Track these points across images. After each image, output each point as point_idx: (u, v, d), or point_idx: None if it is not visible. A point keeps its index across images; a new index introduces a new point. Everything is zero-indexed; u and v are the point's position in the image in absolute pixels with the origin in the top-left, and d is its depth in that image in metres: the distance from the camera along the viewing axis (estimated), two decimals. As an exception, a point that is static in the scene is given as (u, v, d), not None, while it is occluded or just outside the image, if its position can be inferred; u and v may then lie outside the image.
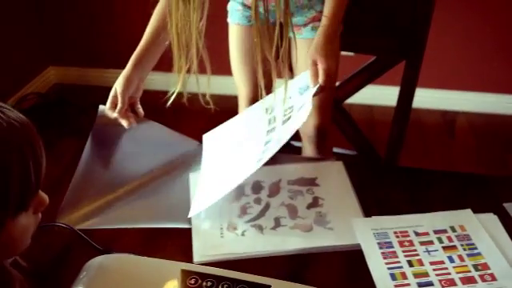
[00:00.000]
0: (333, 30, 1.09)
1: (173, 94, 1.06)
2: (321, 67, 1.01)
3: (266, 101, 1.07)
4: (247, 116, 1.17)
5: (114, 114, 1.07)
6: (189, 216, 0.96)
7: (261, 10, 1.22)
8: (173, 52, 1.02)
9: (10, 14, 2.61)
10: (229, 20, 1.36)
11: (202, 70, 1.05)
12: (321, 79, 1.01)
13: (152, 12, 1.10)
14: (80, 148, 1.19)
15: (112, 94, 1.10)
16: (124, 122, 1.08)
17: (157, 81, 2.77)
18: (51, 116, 2.62)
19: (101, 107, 1.10)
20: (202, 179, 1.05)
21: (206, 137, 1.16)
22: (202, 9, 0.97)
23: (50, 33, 2.87)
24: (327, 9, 1.11)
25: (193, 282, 0.73)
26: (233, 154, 1.07)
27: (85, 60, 2.96)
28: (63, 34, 2.89)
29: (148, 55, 1.10)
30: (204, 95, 1.04)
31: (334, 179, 1.08)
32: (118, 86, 1.09)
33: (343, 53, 1.40)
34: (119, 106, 1.07)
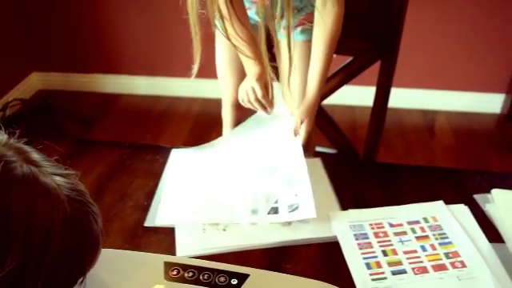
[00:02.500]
0: (320, 92, 1.20)
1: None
2: (305, 129, 1.15)
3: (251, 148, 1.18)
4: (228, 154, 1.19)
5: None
6: (156, 223, 0.99)
7: (251, 14, 1.27)
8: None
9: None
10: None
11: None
12: (303, 139, 1.14)
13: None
14: (65, 152, 1.21)
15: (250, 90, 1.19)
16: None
17: (142, 85, 2.81)
18: (36, 122, 2.63)
19: None
20: (171, 190, 1.08)
21: (174, 152, 1.20)
22: None
23: (32, 39, 2.88)
24: (317, 70, 1.19)
25: (175, 272, 0.76)
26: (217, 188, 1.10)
27: (68, 65, 2.97)
28: (46, 40, 2.90)
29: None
30: None
31: (313, 175, 1.11)
32: (254, 85, 1.19)
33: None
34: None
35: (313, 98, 1.19)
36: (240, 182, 1.09)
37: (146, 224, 0.99)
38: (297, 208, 0.99)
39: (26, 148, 0.62)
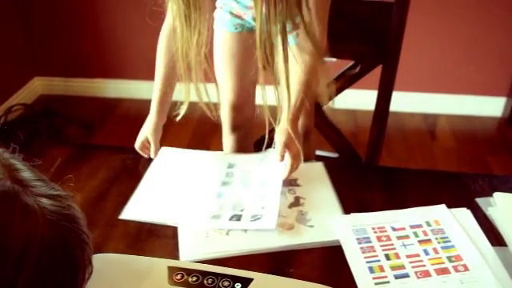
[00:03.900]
0: (299, 114, 1.15)
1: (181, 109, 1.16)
2: (292, 153, 1.10)
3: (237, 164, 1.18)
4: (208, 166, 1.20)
5: (151, 155, 1.24)
6: (120, 217, 1.02)
7: (247, 18, 1.27)
8: (179, 76, 1.11)
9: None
10: (215, 27, 1.40)
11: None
12: (289, 165, 1.09)
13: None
14: (68, 156, 1.22)
15: (141, 139, 1.25)
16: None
17: (143, 90, 2.81)
18: (38, 127, 2.64)
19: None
20: (144, 187, 1.11)
21: (163, 150, 1.24)
22: (202, 32, 1.03)
23: (34, 44, 2.89)
24: (294, 94, 1.11)
25: (179, 277, 0.76)
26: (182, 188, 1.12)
27: (70, 70, 2.98)
28: (48, 45, 2.90)
29: (166, 97, 1.23)
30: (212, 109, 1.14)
31: (315, 179, 1.12)
32: (149, 135, 1.24)
33: (326, 59, 1.45)
34: (153, 148, 1.24)
35: (292, 119, 1.12)
36: (211, 187, 1.11)
37: (120, 217, 1.03)
38: (259, 218, 1.00)
39: (18, 165, 0.60)
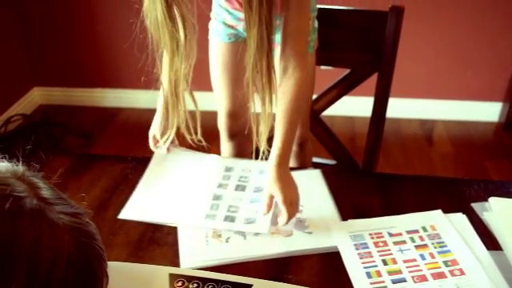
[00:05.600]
0: (287, 157, 1.07)
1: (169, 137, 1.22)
2: (280, 200, 1.01)
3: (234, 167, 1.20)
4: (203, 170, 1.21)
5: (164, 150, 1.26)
6: (119, 217, 1.06)
7: (240, 29, 1.30)
8: (167, 100, 1.17)
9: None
10: (210, 37, 1.42)
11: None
12: (284, 216, 1.00)
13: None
14: (68, 166, 1.23)
15: (151, 136, 1.27)
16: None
17: (142, 99, 2.83)
18: (37, 137, 2.65)
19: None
20: (143, 187, 1.15)
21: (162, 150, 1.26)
22: (188, 60, 1.09)
23: (33, 54, 2.91)
24: (278, 136, 1.06)
25: (180, 284, 0.78)
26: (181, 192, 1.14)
27: (69, 80, 2.99)
28: (47, 56, 2.92)
29: None
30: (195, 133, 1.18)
31: (313, 186, 1.14)
32: (156, 133, 1.26)
33: (323, 67, 1.47)
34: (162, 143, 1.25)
35: (278, 164, 1.04)
36: (207, 188, 1.13)
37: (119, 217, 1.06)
38: (253, 222, 1.03)
39: (40, 183, 0.62)
